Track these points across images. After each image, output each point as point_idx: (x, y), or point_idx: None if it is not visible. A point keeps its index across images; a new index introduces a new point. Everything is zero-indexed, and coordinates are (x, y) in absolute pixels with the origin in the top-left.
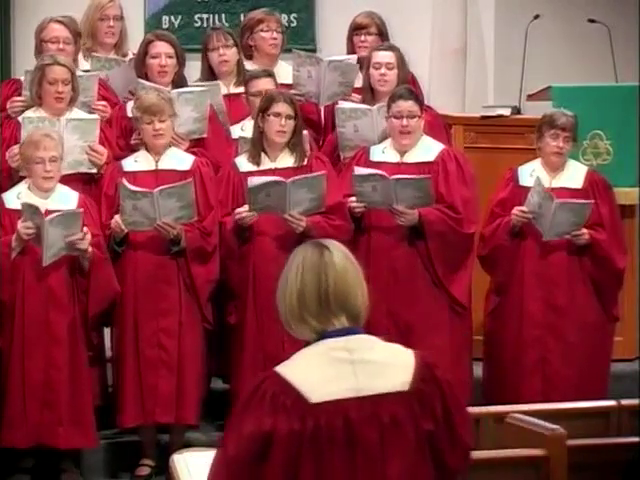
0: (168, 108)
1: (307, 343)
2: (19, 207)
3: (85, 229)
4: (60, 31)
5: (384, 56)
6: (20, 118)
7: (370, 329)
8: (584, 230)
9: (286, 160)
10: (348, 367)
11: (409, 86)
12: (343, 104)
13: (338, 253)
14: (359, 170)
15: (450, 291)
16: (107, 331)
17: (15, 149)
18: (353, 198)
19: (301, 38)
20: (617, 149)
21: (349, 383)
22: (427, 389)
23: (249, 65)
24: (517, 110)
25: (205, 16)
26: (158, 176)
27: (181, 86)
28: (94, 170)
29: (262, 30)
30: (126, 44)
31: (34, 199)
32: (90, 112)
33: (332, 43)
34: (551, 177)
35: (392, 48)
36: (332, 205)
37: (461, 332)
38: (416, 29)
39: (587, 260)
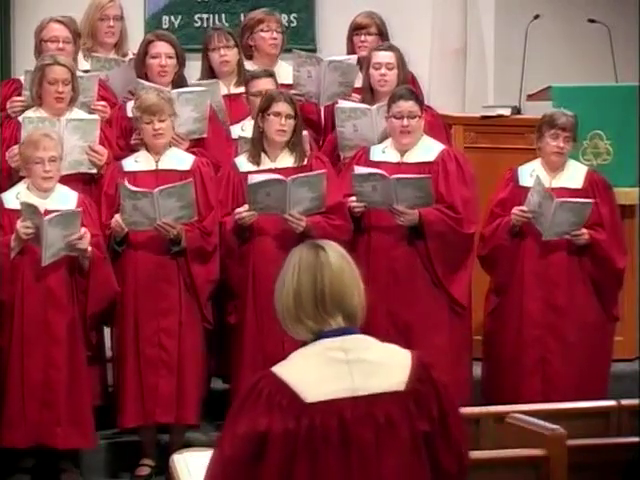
0: (168, 108)
1: (304, 343)
2: (18, 207)
3: (84, 229)
4: (60, 31)
5: (384, 56)
6: (20, 118)
7: (370, 329)
8: (584, 230)
9: (286, 160)
10: (344, 367)
11: (409, 86)
12: (343, 103)
13: (334, 253)
14: (359, 170)
15: (450, 291)
16: (107, 331)
17: (15, 149)
18: (353, 198)
19: (301, 38)
20: (617, 149)
21: (345, 383)
22: (423, 389)
23: (249, 65)
24: (517, 110)
25: (205, 16)
26: (158, 176)
27: (181, 86)
28: (94, 170)
29: (262, 30)
30: (126, 44)
31: (33, 199)
32: (90, 112)
33: (332, 43)
34: (551, 177)
35: (392, 48)
36: (332, 205)
37: (461, 332)
38: (416, 29)
39: (587, 260)
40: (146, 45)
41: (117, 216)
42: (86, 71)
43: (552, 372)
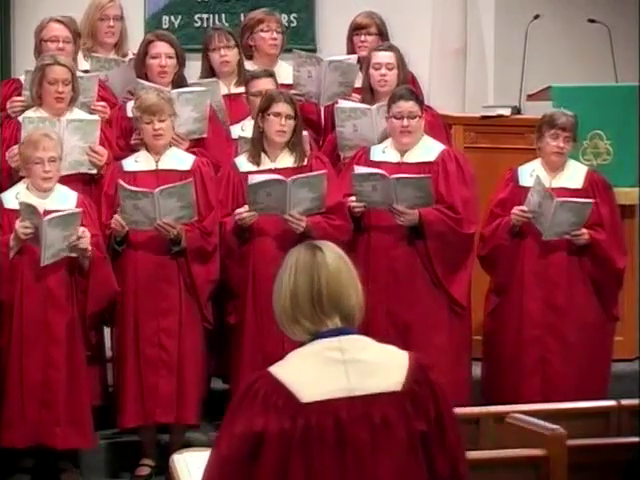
0: (168, 108)
1: (302, 343)
2: (18, 207)
3: (83, 228)
4: (60, 30)
5: (384, 56)
6: (20, 118)
7: (369, 329)
8: (584, 230)
9: (286, 160)
10: (340, 367)
11: (409, 86)
12: (343, 103)
13: (331, 254)
14: (359, 169)
15: (449, 291)
16: (107, 331)
17: (15, 149)
18: (353, 198)
19: (301, 38)
20: (617, 149)
21: (341, 383)
22: (420, 391)
23: (249, 65)
24: (517, 110)
25: (205, 16)
26: (158, 176)
27: (181, 86)
28: (94, 171)
29: (262, 30)
30: (126, 44)
31: (32, 199)
32: (90, 113)
33: (332, 43)
34: (551, 177)
35: (392, 48)
36: (332, 205)
37: (460, 332)
38: (416, 29)
39: (587, 260)
40: (146, 45)
41: (117, 215)
42: (86, 71)
43: (552, 372)
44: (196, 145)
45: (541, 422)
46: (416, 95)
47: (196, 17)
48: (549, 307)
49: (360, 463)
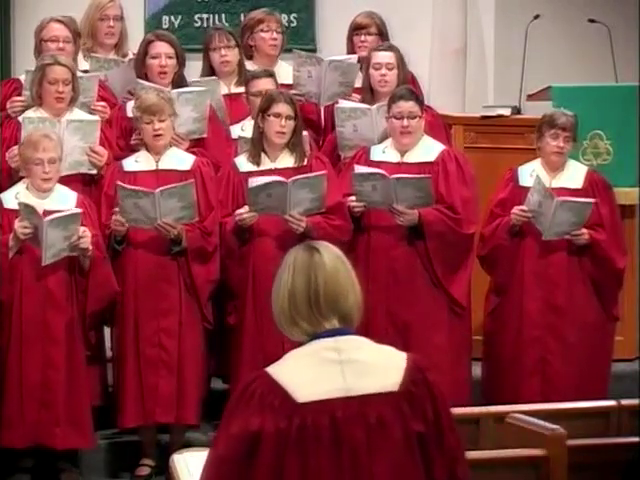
0: (168, 108)
1: (300, 344)
2: (17, 207)
3: (84, 228)
4: (60, 30)
5: (384, 56)
6: (20, 118)
7: (369, 329)
8: (584, 230)
9: (286, 160)
10: (336, 367)
11: (410, 86)
12: (343, 103)
13: (329, 254)
14: (359, 169)
15: (449, 291)
16: (107, 331)
17: (15, 149)
18: (353, 197)
19: (301, 38)
20: (617, 149)
21: (337, 383)
22: (417, 391)
23: (249, 65)
24: (517, 110)
25: (205, 16)
26: (159, 176)
27: (181, 86)
28: (94, 171)
29: (262, 30)
30: (126, 44)
31: (32, 199)
32: (90, 113)
33: (332, 43)
34: (551, 177)
35: (392, 48)
36: (332, 205)
37: (460, 332)
38: (416, 29)
39: (587, 260)
40: (146, 45)
41: (116, 215)
42: (85, 71)
43: (552, 372)
44: (196, 145)
45: (541, 422)
46: (416, 95)
47: (196, 17)
48: (549, 307)
49: (356, 463)
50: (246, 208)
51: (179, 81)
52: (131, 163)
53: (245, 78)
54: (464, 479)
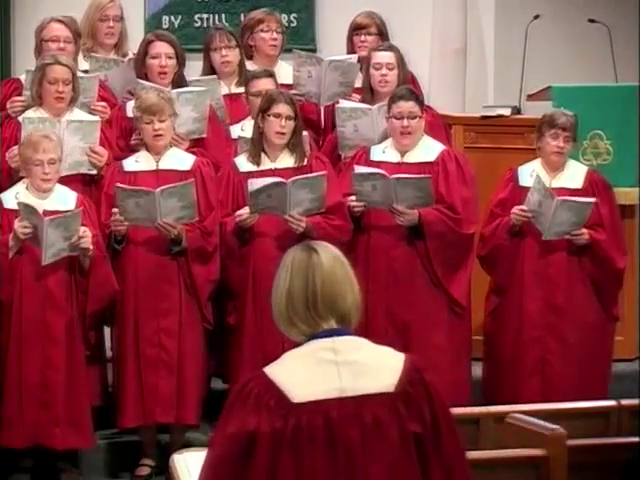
0: (168, 108)
1: (298, 344)
2: (17, 207)
3: (85, 228)
4: (61, 30)
5: (384, 56)
6: (20, 118)
7: (369, 329)
8: (584, 230)
9: (286, 160)
10: (333, 368)
11: (410, 87)
12: (344, 103)
13: (326, 255)
14: (359, 169)
15: (449, 291)
16: (107, 331)
17: (15, 150)
18: (353, 197)
19: (301, 38)
20: (617, 149)
21: (332, 384)
22: (414, 392)
23: (249, 65)
24: (517, 110)
25: (205, 16)
26: (159, 176)
27: (181, 86)
28: (94, 171)
29: (262, 30)
30: (126, 44)
31: (32, 199)
32: (90, 113)
33: (332, 43)
34: (551, 177)
35: (392, 48)
36: (332, 205)
37: (460, 332)
38: (416, 29)
39: (587, 260)
40: (146, 45)
41: (116, 215)
42: (86, 71)
43: (552, 372)
44: (196, 145)
45: (541, 422)
46: (416, 95)
47: (196, 17)
48: (549, 307)
49: (351, 463)
50: (246, 209)
51: (179, 81)
52: (131, 163)
53: (245, 78)
54: None
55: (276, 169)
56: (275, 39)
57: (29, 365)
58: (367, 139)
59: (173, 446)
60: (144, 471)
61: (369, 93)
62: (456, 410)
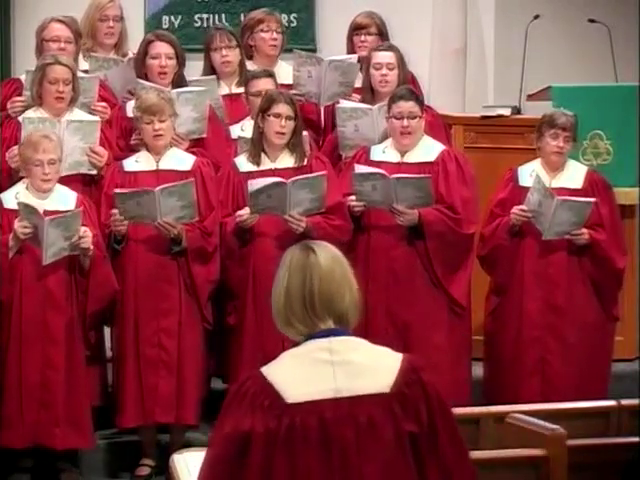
0: (168, 108)
1: (296, 343)
2: (17, 207)
3: (85, 228)
4: (61, 30)
5: (384, 56)
6: (20, 118)
7: (369, 329)
8: (584, 230)
9: (286, 160)
10: (328, 368)
11: (410, 87)
12: (344, 103)
13: (325, 254)
14: (359, 169)
15: (449, 291)
16: (107, 331)
17: (15, 150)
18: (353, 197)
19: (301, 38)
20: (617, 149)
21: (328, 384)
22: (410, 392)
23: (249, 65)
24: (517, 110)
25: (205, 16)
26: (159, 176)
27: (181, 86)
28: (94, 171)
29: (262, 30)
30: (126, 44)
31: (32, 199)
32: (90, 113)
33: (332, 43)
34: (551, 177)
35: (392, 48)
36: (332, 205)
37: (460, 332)
38: (416, 29)
39: (587, 260)
40: (146, 45)
41: (116, 216)
42: (86, 71)
43: (552, 372)
44: (195, 145)
45: (541, 422)
46: (416, 95)
47: (196, 17)
48: (549, 307)
49: (346, 463)
50: (247, 210)
51: (179, 81)
52: (131, 163)
53: (245, 78)
54: None
55: (276, 169)
56: (275, 39)
57: (29, 365)
58: (367, 139)
59: (173, 446)
60: (144, 471)
61: (369, 93)
62: (456, 410)
